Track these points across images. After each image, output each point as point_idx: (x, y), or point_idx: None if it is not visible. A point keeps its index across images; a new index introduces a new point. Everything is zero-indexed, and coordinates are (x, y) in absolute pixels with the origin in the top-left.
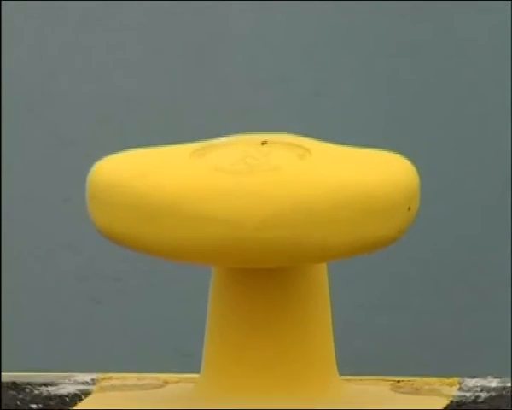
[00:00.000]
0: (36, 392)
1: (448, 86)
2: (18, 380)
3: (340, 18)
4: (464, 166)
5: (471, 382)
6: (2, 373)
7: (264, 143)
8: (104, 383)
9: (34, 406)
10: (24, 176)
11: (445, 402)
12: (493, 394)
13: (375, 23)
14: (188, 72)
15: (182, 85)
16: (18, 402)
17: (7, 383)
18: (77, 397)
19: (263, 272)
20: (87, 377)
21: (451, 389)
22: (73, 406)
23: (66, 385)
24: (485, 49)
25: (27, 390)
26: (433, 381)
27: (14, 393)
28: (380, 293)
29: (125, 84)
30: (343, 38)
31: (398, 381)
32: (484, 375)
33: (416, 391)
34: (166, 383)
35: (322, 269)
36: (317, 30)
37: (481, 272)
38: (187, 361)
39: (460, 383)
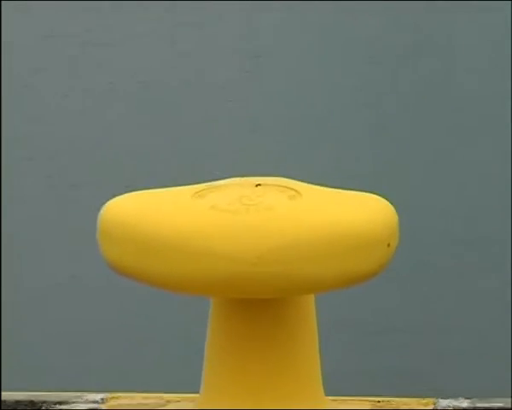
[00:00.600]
0: None
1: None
2: (35, 399)
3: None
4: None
5: (444, 402)
6: (22, 392)
7: (258, 185)
8: (113, 402)
9: None
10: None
11: None
12: None
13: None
14: (188, 119)
15: (184, 133)
16: None
17: (25, 401)
18: None
19: (257, 303)
20: (97, 396)
21: (427, 408)
22: None
23: (79, 403)
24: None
25: (43, 408)
26: (410, 401)
27: None
28: (363, 320)
29: (128, 133)
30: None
31: (379, 401)
32: (456, 396)
33: None
34: (169, 402)
35: (310, 301)
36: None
37: (461, 299)
38: (188, 383)
39: (434, 404)
